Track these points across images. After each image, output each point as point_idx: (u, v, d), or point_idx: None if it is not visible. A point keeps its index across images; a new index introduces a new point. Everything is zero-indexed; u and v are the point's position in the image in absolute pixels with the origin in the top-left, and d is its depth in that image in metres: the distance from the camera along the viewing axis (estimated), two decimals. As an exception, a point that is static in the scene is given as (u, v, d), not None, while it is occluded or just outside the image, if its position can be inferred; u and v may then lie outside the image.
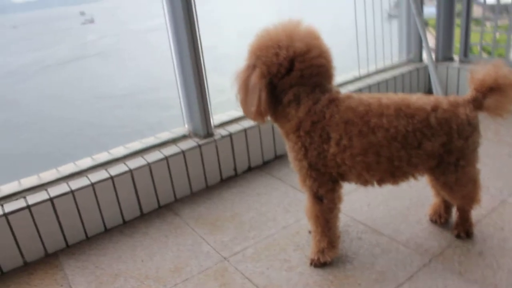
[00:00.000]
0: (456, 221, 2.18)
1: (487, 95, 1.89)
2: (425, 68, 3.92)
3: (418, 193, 2.52)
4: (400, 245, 2.14)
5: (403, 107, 1.84)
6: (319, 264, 2.06)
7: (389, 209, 2.43)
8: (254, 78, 1.86)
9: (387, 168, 1.87)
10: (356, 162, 1.86)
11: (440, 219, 2.25)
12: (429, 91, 3.95)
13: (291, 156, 1.99)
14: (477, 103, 1.90)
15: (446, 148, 1.87)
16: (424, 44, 3.71)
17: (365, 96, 1.91)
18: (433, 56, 3.85)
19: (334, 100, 1.87)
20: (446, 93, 3.79)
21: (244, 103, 1.93)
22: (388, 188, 2.57)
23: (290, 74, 1.84)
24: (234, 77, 1.95)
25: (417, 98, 1.89)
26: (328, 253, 2.06)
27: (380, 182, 1.95)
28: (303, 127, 1.87)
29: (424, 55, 3.99)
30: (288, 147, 2.01)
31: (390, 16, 4.34)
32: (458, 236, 2.14)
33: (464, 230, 2.15)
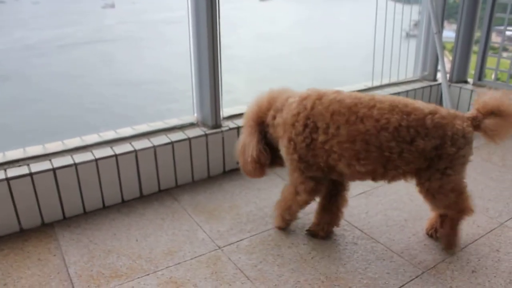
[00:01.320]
0: (442, 231, 2.20)
1: (487, 117, 1.96)
2: (438, 86, 3.92)
3: (418, 207, 2.52)
4: (395, 255, 2.14)
5: (400, 105, 1.93)
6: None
7: (387, 219, 2.43)
8: (245, 135, 2.20)
9: (378, 158, 1.94)
10: (344, 149, 1.94)
11: (435, 233, 2.25)
12: (439, 109, 3.94)
13: (283, 152, 2.12)
14: (476, 122, 1.97)
15: (438, 153, 1.93)
16: (440, 62, 3.71)
17: (359, 93, 2.02)
18: (448, 76, 3.86)
19: (310, 96, 2.03)
20: (456, 113, 3.79)
21: (245, 163, 2.20)
22: (388, 199, 2.58)
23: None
24: (236, 153, 2.27)
25: (417, 102, 1.97)
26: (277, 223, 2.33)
27: (373, 174, 2.01)
28: (286, 122, 2.05)
29: (439, 75, 4.00)
30: (280, 146, 2.11)
31: (408, 36, 4.37)
32: (445, 248, 2.17)
33: (447, 240, 2.17)
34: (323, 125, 1.96)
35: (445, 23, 3.97)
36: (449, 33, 4.86)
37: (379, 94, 2.05)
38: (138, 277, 2.01)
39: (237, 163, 2.29)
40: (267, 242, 2.24)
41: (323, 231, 2.26)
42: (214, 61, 2.70)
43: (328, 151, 1.97)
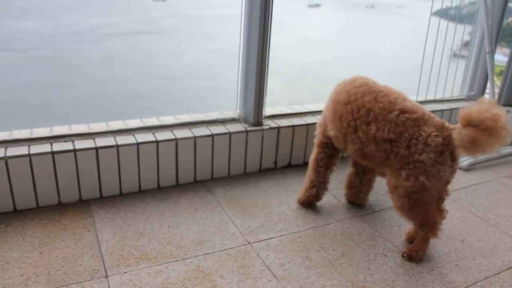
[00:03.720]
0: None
1: (464, 129, 1.92)
2: (484, 108, 3.83)
3: (451, 226, 2.47)
4: (425, 271, 2.10)
5: (381, 95, 2.12)
6: (300, 202, 2.57)
7: (420, 235, 2.39)
8: None
9: (338, 126, 2.24)
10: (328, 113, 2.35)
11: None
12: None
13: None
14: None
15: (393, 150, 2.01)
16: (489, 82, 3.63)
17: (385, 87, 2.22)
18: (496, 98, 3.77)
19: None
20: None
21: None
22: (423, 215, 2.53)
23: None
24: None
25: (412, 103, 2.10)
26: (306, 191, 2.52)
27: (337, 142, 2.31)
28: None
29: (486, 96, 3.91)
30: None
31: (456, 55, 4.31)
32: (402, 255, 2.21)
33: (408, 250, 2.19)
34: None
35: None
36: (499, 56, 4.75)
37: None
38: (167, 262, 2.04)
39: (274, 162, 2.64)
40: (296, 243, 2.24)
41: (357, 200, 2.59)
42: (262, 60, 2.72)
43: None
